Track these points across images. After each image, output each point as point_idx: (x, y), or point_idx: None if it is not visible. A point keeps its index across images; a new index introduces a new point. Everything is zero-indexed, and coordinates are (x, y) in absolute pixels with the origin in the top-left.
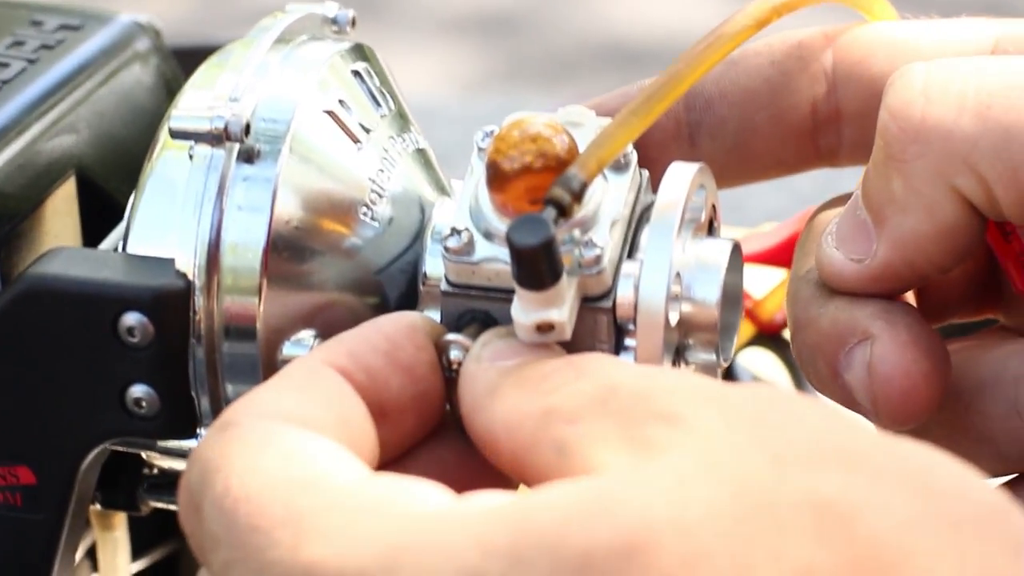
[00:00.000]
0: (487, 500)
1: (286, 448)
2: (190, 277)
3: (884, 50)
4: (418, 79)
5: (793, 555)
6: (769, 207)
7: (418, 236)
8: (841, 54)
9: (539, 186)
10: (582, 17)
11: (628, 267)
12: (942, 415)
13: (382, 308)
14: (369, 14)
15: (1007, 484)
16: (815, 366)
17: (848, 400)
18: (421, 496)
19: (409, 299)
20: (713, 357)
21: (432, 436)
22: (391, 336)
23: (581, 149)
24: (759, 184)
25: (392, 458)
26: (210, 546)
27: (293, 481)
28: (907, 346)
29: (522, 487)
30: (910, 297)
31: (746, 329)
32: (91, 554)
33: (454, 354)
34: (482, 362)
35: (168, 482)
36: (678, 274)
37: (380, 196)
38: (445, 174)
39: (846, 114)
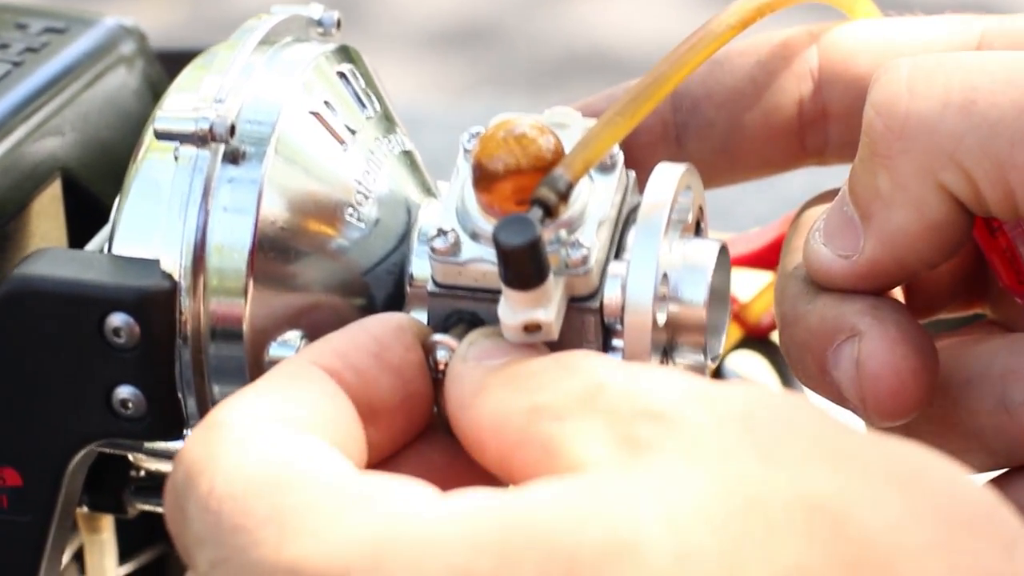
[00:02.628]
0: (474, 497)
1: (272, 447)
2: (176, 278)
3: (869, 48)
4: (405, 87)
5: (783, 553)
6: (756, 212)
7: (404, 237)
8: (826, 53)
9: (525, 187)
10: (567, 26)
11: (615, 267)
12: (930, 411)
13: (369, 309)
14: (355, 23)
15: (995, 480)
16: (803, 363)
17: (836, 397)
18: (408, 494)
19: (396, 300)
20: (701, 358)
21: (420, 438)
22: (379, 337)
23: (567, 150)
24: (746, 189)
25: (380, 459)
26: (195, 546)
27: (278, 480)
28: (895, 342)
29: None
30: (898, 293)
31: (733, 332)
32: (78, 557)
33: (441, 355)
34: (468, 361)
35: (155, 485)
36: (665, 274)
37: (366, 197)
38: (433, 178)
39: (832, 112)
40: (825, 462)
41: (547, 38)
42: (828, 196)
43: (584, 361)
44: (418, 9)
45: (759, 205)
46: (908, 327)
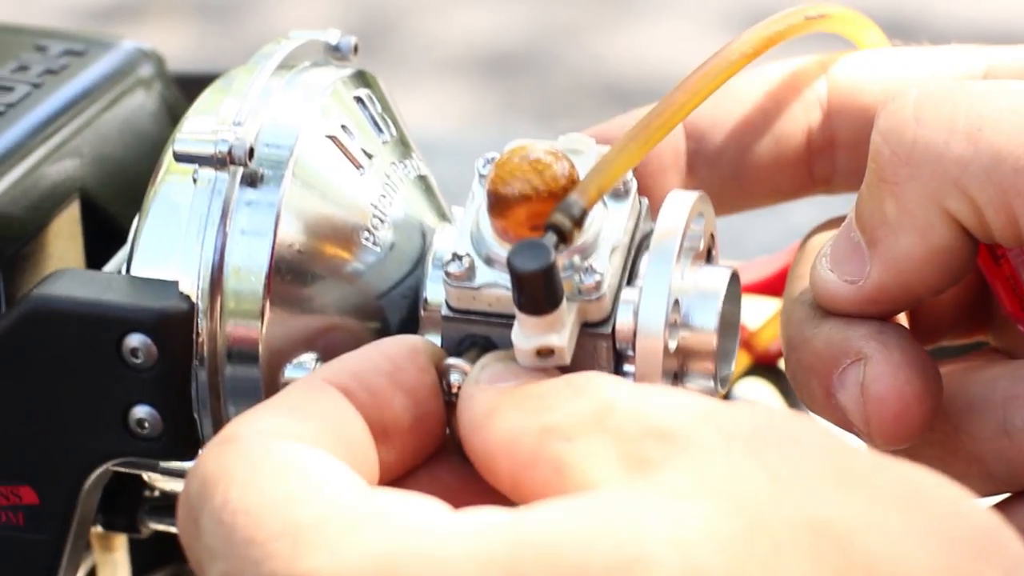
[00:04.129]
0: (485, 515)
1: (285, 462)
2: (194, 300)
3: (877, 78)
4: (417, 115)
5: (789, 573)
6: (765, 240)
7: (419, 261)
8: (835, 82)
9: (540, 212)
10: (577, 56)
11: (627, 293)
12: (932, 435)
13: (383, 332)
14: (369, 52)
15: (997, 505)
16: (809, 386)
17: (841, 420)
18: (419, 510)
19: (410, 324)
20: (710, 384)
21: (432, 459)
22: (394, 358)
23: (581, 176)
24: (755, 217)
25: (392, 479)
26: (208, 559)
27: (292, 494)
28: (900, 367)
29: None
30: (902, 320)
31: (742, 359)
32: None
33: (454, 378)
34: (481, 384)
35: (169, 504)
36: (677, 301)
37: (382, 221)
38: (446, 203)
39: (840, 141)
40: (832, 484)
41: (557, 68)
42: (834, 223)
43: (593, 382)
44: (433, 37)
45: (768, 234)
46: (913, 352)
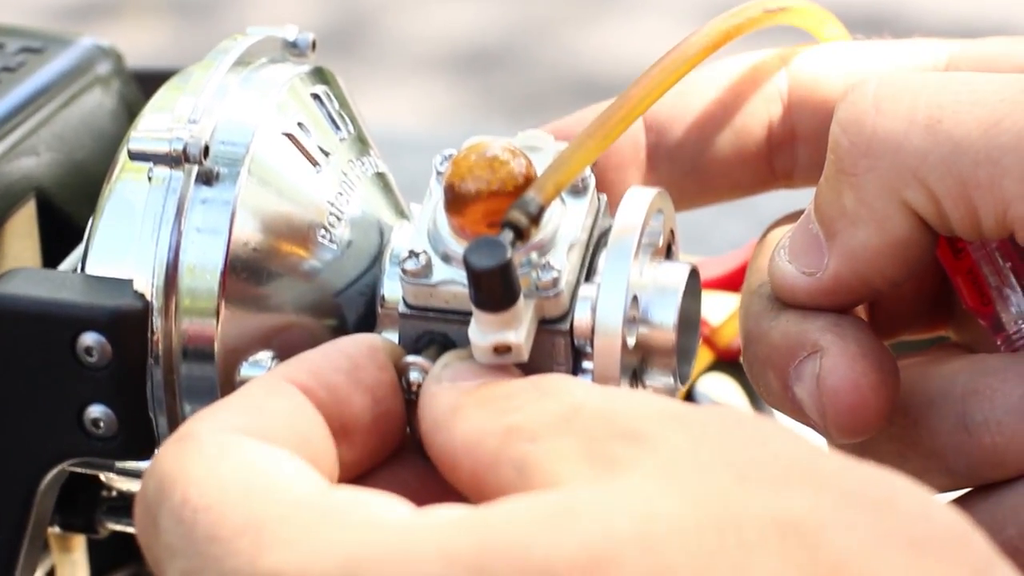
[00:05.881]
0: (449, 511)
1: (245, 459)
2: (148, 298)
3: (838, 71)
4: (391, 113)
5: (757, 573)
6: (732, 235)
7: (376, 259)
8: (795, 76)
9: (497, 209)
10: (553, 52)
11: (585, 290)
12: (892, 430)
13: (340, 330)
14: (344, 49)
15: (956, 500)
16: (765, 379)
17: (798, 413)
18: (382, 507)
19: (367, 322)
20: (671, 380)
21: (392, 458)
22: (353, 356)
23: (539, 173)
24: (721, 212)
25: (351, 478)
26: (167, 557)
27: (252, 490)
28: (856, 359)
29: None
30: (862, 314)
31: (704, 355)
32: None
33: (413, 376)
34: (442, 383)
35: (127, 504)
36: (635, 297)
37: (339, 219)
38: (409, 201)
39: (801, 135)
40: (800, 484)
41: (532, 65)
42: (794, 216)
43: (560, 384)
44: (409, 34)
45: (735, 228)
46: (869, 344)
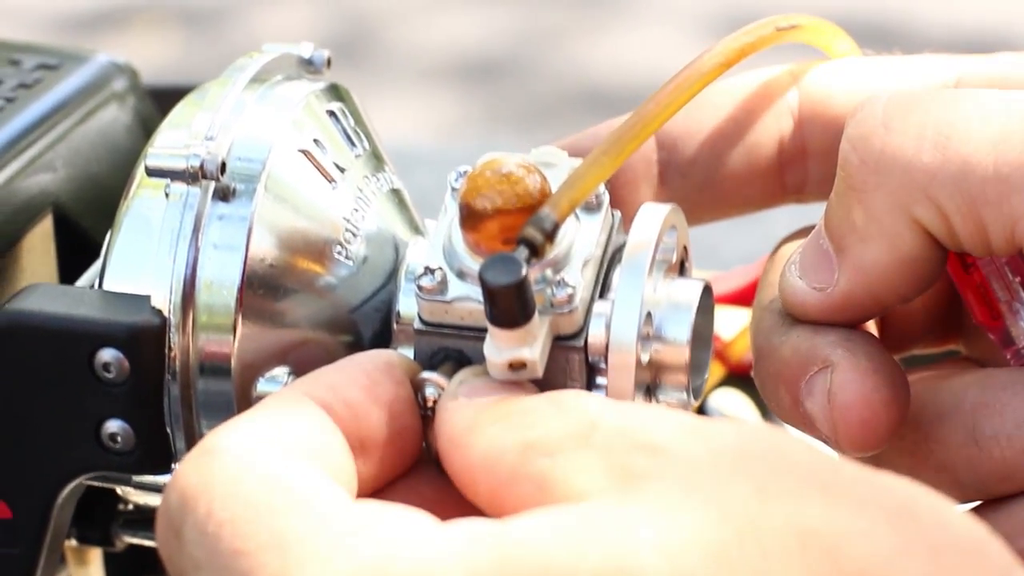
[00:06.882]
0: (471, 525)
1: (269, 473)
2: (166, 314)
3: (848, 87)
4: (398, 125)
5: None
6: (743, 250)
7: (392, 275)
8: (806, 92)
9: (512, 226)
10: (560, 63)
11: (600, 306)
12: (903, 444)
13: (356, 346)
14: (351, 61)
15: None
16: (777, 394)
17: (810, 428)
18: (406, 521)
19: (383, 338)
20: (684, 396)
21: (409, 473)
22: (370, 372)
23: (554, 189)
24: (732, 227)
25: (369, 493)
26: (191, 570)
27: (277, 505)
28: (867, 374)
29: None
30: (873, 329)
31: (716, 370)
32: None
33: (429, 392)
34: (459, 399)
35: (143, 518)
36: (649, 314)
37: (354, 235)
38: (421, 216)
39: (812, 151)
40: (819, 495)
41: (539, 76)
42: (805, 232)
43: (576, 399)
44: (416, 46)
45: (747, 244)
46: (880, 358)
